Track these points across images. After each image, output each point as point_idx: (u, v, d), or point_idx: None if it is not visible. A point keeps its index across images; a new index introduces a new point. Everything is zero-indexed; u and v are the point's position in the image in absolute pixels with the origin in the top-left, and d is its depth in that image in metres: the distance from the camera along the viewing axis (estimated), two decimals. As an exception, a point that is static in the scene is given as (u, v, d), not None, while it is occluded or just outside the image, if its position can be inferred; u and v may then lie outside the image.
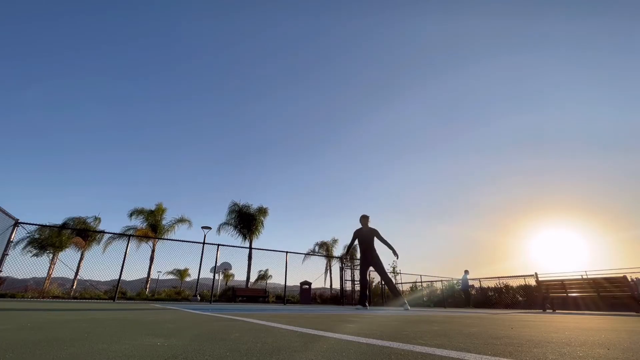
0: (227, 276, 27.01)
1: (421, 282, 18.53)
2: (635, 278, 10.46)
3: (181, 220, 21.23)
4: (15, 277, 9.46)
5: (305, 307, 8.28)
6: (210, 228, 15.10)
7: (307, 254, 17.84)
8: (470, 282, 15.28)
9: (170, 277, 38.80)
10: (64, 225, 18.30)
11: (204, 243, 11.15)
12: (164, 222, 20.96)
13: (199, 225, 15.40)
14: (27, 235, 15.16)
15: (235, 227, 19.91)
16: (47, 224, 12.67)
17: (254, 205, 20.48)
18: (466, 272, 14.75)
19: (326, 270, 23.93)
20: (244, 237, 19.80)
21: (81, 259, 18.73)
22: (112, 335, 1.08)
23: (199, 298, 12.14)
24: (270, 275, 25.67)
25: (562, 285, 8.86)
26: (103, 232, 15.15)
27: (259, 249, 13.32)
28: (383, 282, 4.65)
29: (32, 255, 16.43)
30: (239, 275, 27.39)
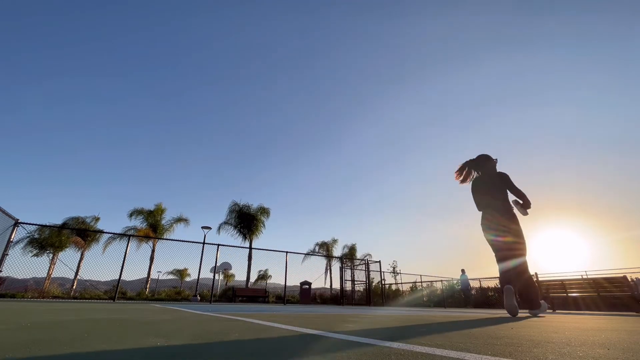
0: (227, 276, 27.00)
1: (421, 282, 18.53)
2: (635, 278, 10.43)
3: (180, 219, 21.24)
4: (15, 277, 9.45)
5: (305, 307, 8.29)
6: (210, 228, 15.10)
7: (307, 254, 17.86)
8: (471, 282, 15.28)
9: (170, 277, 38.84)
10: (63, 225, 18.31)
11: (204, 243, 11.15)
12: (163, 222, 20.98)
13: (199, 225, 15.40)
14: (27, 235, 15.16)
15: (236, 227, 19.92)
16: (47, 224, 12.67)
17: (254, 205, 20.49)
18: (463, 271, 14.76)
19: (326, 270, 23.96)
20: (244, 237, 19.80)
21: (81, 259, 18.75)
22: (112, 336, 1.08)
23: (199, 298, 12.13)
24: (270, 275, 25.72)
25: (562, 285, 8.86)
26: (103, 232, 15.14)
27: (259, 249, 13.34)
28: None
29: (32, 255, 16.44)
30: (239, 275, 27.37)
